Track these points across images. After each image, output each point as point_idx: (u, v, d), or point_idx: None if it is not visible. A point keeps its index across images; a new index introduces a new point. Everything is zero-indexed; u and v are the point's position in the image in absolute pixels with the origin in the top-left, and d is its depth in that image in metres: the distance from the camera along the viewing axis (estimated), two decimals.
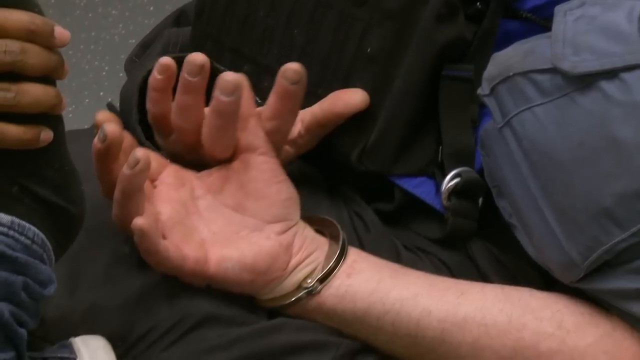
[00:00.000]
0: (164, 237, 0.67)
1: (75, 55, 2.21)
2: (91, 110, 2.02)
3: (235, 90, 0.67)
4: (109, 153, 0.67)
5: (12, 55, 0.58)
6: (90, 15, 2.33)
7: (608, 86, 0.65)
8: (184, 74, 0.68)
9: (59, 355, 0.65)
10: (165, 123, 0.72)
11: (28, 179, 0.61)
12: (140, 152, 0.64)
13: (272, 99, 0.71)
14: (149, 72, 0.73)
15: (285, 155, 0.74)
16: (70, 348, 0.65)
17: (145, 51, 0.91)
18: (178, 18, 0.94)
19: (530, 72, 0.67)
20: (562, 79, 0.66)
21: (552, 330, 0.69)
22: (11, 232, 0.59)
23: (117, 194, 0.67)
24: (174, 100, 0.70)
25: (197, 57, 0.67)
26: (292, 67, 0.68)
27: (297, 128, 0.75)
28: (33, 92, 0.59)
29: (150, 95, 0.71)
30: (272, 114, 0.71)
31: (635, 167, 0.64)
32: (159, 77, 0.69)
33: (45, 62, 0.60)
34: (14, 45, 0.58)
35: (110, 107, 0.82)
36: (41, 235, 0.60)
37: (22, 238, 0.59)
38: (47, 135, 0.60)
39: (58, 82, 0.62)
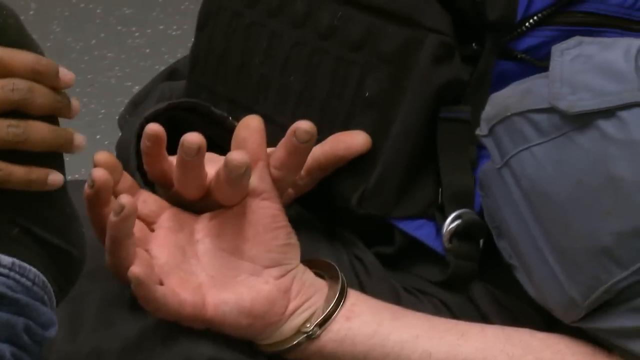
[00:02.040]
0: (161, 283, 0.67)
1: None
2: (87, 153, 2.00)
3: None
4: (98, 198, 0.67)
5: (21, 94, 0.58)
6: (86, 58, 2.36)
7: (606, 125, 0.65)
8: (181, 154, 0.67)
9: None
10: (165, 179, 0.72)
11: (30, 221, 0.61)
12: (125, 199, 0.64)
13: (280, 152, 0.70)
14: (146, 119, 0.73)
15: (285, 198, 0.74)
16: None
17: (136, 108, 0.91)
18: (170, 75, 0.95)
19: (528, 112, 0.68)
20: (560, 118, 0.67)
21: None
22: (12, 274, 0.58)
23: (107, 240, 0.67)
24: (175, 170, 0.70)
25: (193, 139, 0.66)
26: (304, 128, 0.67)
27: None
28: (41, 130, 0.59)
29: (145, 159, 0.71)
30: (279, 165, 0.70)
31: (634, 206, 0.64)
32: (148, 144, 0.69)
33: (51, 101, 0.60)
34: (22, 83, 0.59)
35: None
36: (42, 277, 0.60)
37: (23, 280, 0.59)
38: (56, 177, 0.60)
39: None
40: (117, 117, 0.97)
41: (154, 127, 0.68)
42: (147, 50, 2.34)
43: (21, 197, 0.60)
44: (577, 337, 0.71)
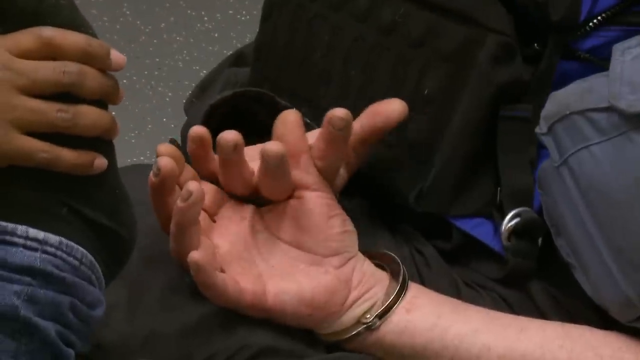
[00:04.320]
0: (222, 271, 0.68)
1: (140, 81, 2.21)
2: (154, 136, 2.05)
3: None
4: (163, 187, 0.67)
5: (71, 77, 0.58)
6: (155, 41, 2.36)
7: None
8: (220, 153, 0.67)
9: None
10: (214, 178, 0.72)
11: (78, 201, 0.61)
12: (193, 185, 0.64)
13: (320, 142, 0.70)
14: (212, 106, 0.74)
15: (339, 180, 0.75)
16: None
17: (203, 93, 0.92)
18: (237, 59, 0.95)
19: (588, 110, 0.67)
20: (619, 117, 0.66)
21: None
22: (59, 253, 0.58)
23: (172, 227, 0.67)
24: (219, 168, 0.70)
25: (229, 136, 0.67)
26: (338, 115, 0.67)
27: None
28: (90, 115, 0.59)
29: (192, 160, 0.71)
30: (321, 156, 0.70)
31: None
32: (193, 146, 0.70)
33: (101, 85, 0.60)
34: (73, 66, 0.58)
35: (173, 142, 0.82)
36: (89, 256, 0.60)
37: (70, 259, 0.59)
38: (100, 162, 0.60)
39: (122, 108, 0.62)
40: (184, 101, 0.99)
41: (198, 130, 0.69)
42: (216, 35, 2.34)
43: (70, 178, 0.60)
44: (636, 336, 0.70)
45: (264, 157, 0.66)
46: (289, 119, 0.69)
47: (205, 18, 2.45)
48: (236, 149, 0.66)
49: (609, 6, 0.74)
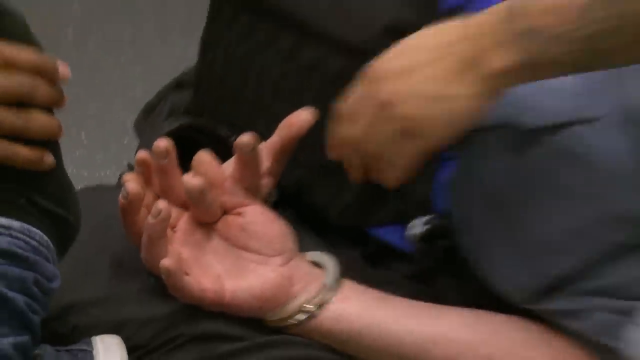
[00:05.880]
0: (186, 274, 0.74)
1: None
2: (114, 154, 1.95)
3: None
4: (131, 207, 0.74)
5: (25, 88, 0.64)
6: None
7: (553, 140, 0.71)
8: (154, 159, 0.74)
9: (78, 347, 0.72)
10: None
11: (33, 193, 0.67)
12: (162, 204, 0.71)
13: (237, 166, 0.76)
14: (167, 134, 0.81)
15: (266, 187, 0.81)
16: (89, 343, 0.73)
17: (150, 114, 0.97)
18: (177, 85, 1.01)
19: (490, 126, 0.73)
20: (516, 134, 0.73)
21: (508, 344, 0.77)
22: (21, 236, 0.65)
23: (144, 239, 0.73)
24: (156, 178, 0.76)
25: (162, 144, 0.74)
26: (244, 141, 0.73)
27: (267, 163, 0.80)
28: (40, 120, 0.65)
29: (159, 177, 0.77)
30: (241, 177, 0.76)
31: (576, 210, 0.72)
32: (138, 169, 0.76)
33: (51, 94, 0.65)
34: (26, 79, 0.64)
35: (130, 167, 0.87)
36: (46, 238, 0.67)
37: (32, 241, 0.66)
38: (49, 159, 0.67)
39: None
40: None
41: (141, 155, 0.76)
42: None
43: (26, 172, 0.66)
44: (531, 318, 0.77)
45: (186, 189, 0.74)
46: (204, 160, 0.76)
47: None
48: (168, 154, 0.74)
49: None
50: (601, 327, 0.73)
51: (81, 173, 1.85)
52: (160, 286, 0.74)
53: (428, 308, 0.80)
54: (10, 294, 0.63)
